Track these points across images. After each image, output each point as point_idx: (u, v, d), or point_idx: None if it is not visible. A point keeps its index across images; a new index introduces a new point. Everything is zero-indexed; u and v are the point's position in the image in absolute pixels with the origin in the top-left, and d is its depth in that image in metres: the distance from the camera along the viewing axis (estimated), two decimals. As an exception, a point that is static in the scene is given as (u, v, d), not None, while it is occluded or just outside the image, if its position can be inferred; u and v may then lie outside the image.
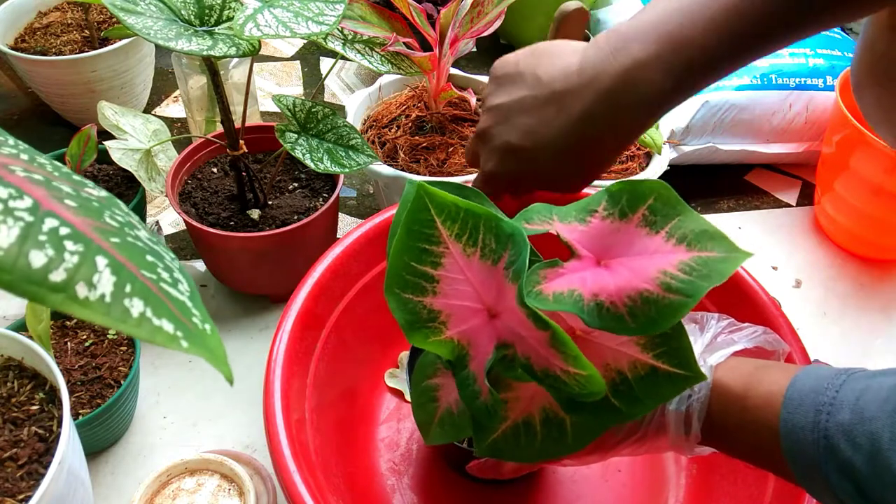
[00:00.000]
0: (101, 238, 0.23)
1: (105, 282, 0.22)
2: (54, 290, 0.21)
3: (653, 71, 0.42)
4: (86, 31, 1.03)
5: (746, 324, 0.48)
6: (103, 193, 0.27)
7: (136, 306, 0.22)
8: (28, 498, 0.50)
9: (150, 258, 0.25)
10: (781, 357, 0.48)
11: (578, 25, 0.66)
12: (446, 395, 0.47)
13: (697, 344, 0.46)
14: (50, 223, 0.22)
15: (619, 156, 0.47)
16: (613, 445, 0.46)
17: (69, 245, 0.22)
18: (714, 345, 0.46)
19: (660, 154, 0.92)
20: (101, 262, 0.23)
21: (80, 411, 0.64)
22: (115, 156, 0.76)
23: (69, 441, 0.51)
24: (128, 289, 0.23)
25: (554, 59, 0.47)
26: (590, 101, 0.44)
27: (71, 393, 0.65)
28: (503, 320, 0.38)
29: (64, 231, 0.22)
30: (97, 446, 0.70)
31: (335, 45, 0.78)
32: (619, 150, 0.47)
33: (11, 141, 0.27)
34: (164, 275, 0.25)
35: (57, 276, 0.21)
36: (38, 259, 0.21)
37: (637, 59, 0.42)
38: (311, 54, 1.27)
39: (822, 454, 0.37)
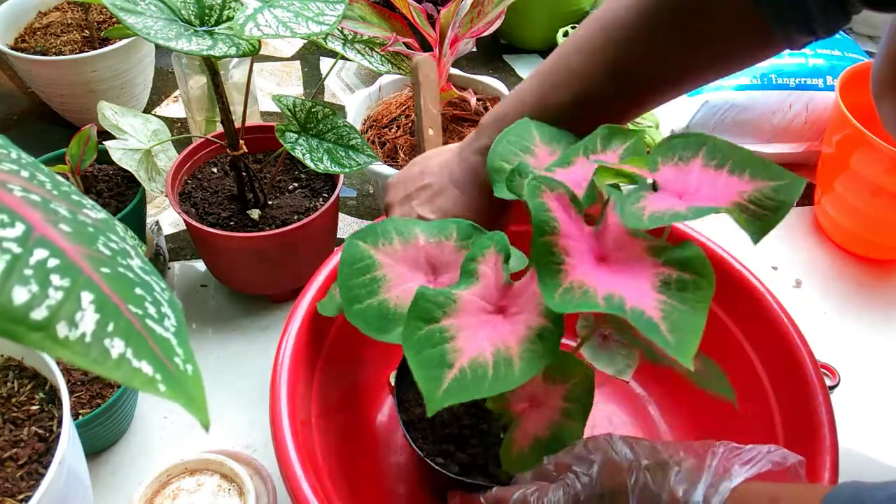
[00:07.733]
0: (91, 268, 0.23)
1: (87, 320, 0.21)
2: (34, 329, 0.20)
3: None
4: (86, 31, 1.03)
5: (749, 446, 0.48)
6: (101, 215, 0.26)
7: (117, 346, 0.22)
8: (28, 498, 0.50)
9: (138, 291, 0.24)
10: (800, 468, 0.48)
11: (432, 70, 0.83)
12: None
13: (700, 483, 0.46)
14: (39, 254, 0.21)
15: (510, 214, 0.60)
16: None
17: (55, 279, 0.21)
18: (719, 477, 0.46)
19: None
20: (86, 297, 0.22)
21: (80, 411, 0.64)
22: (115, 156, 0.76)
23: (69, 441, 0.51)
24: (110, 327, 0.22)
25: (437, 156, 0.63)
26: (464, 171, 0.58)
27: (71, 393, 0.65)
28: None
29: (52, 263, 0.21)
30: (97, 446, 0.70)
31: (335, 45, 0.78)
32: (504, 210, 0.59)
33: (14, 154, 0.26)
34: (151, 309, 0.24)
35: (38, 313, 0.20)
36: (20, 295, 0.20)
37: (480, 146, 0.57)
38: (311, 54, 1.27)
39: None
